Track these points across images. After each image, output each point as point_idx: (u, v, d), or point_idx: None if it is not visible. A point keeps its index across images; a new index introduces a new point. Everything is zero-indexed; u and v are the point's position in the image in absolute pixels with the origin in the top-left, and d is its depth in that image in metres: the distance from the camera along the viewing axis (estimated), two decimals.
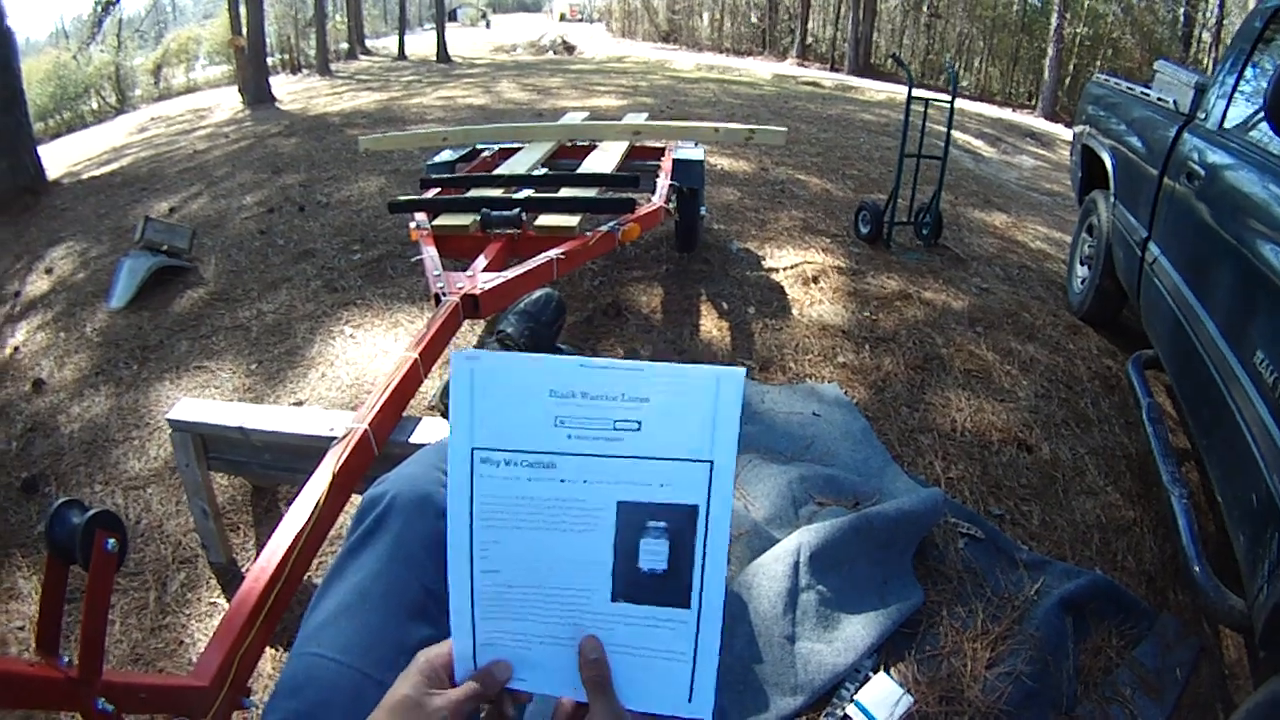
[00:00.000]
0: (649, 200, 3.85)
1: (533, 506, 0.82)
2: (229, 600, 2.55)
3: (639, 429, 0.80)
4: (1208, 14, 24.04)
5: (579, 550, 0.82)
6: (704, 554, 0.82)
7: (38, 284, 5.88)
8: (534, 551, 0.83)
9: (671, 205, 4.23)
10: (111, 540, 1.40)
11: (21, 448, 3.63)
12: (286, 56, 28.37)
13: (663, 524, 0.81)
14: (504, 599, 0.84)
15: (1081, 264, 4.67)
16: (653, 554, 0.82)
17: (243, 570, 2.70)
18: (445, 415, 2.05)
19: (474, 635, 0.84)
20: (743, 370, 0.80)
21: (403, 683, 0.84)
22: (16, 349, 4.77)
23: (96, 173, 10.37)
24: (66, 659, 1.40)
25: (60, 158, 12.65)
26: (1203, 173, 2.90)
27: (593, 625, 0.84)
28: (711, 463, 0.80)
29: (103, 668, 1.42)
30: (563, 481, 0.81)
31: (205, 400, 3.11)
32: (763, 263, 4.96)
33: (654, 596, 0.83)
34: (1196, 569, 2.25)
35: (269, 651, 2.32)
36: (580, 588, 0.83)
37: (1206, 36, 23.76)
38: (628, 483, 0.81)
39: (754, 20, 34.80)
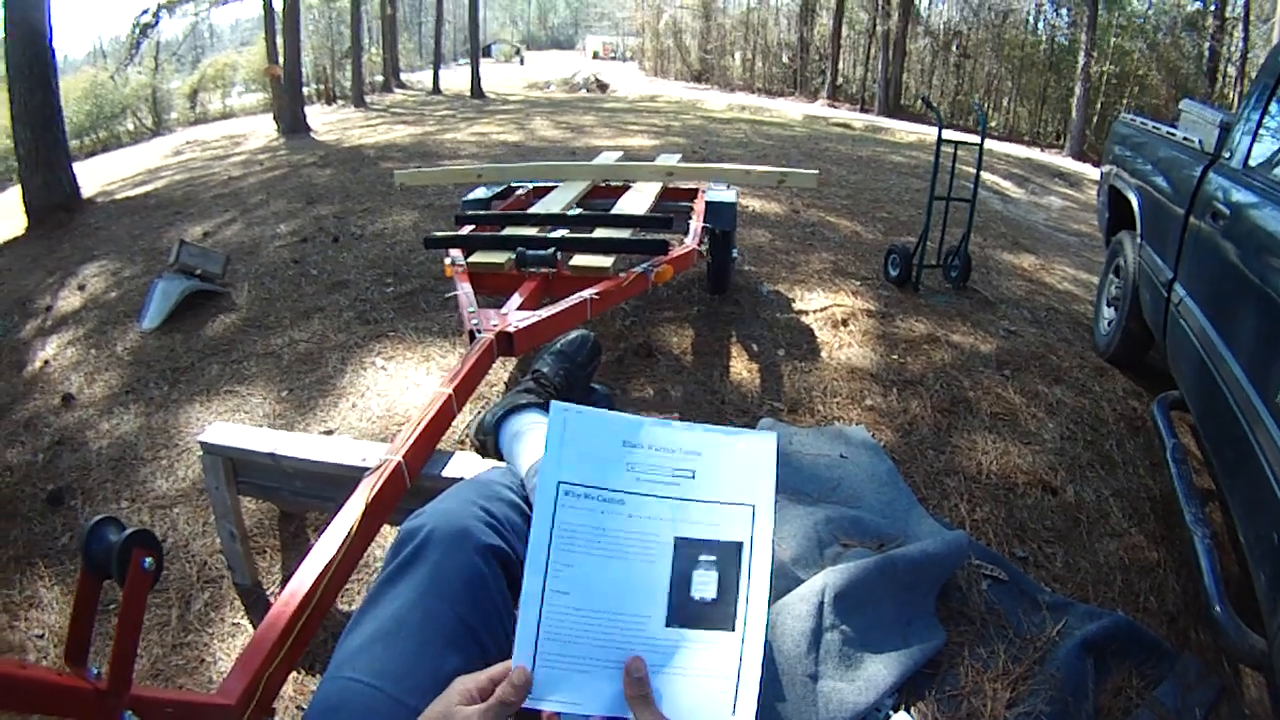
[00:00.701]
0: (682, 242, 3.88)
1: (604, 536, 0.93)
2: (252, 622, 2.58)
3: (693, 477, 0.95)
4: (1232, 49, 24.05)
5: (641, 578, 0.93)
6: (748, 583, 0.94)
7: (70, 300, 5.97)
8: (602, 577, 0.93)
9: (704, 247, 4.25)
10: (149, 559, 1.42)
11: (48, 460, 3.68)
12: (322, 87, 28.76)
13: (713, 557, 0.94)
14: (568, 621, 0.92)
15: (1108, 306, 4.66)
16: (704, 583, 0.94)
17: (268, 593, 2.72)
18: (479, 451, 2.08)
19: (535, 650, 0.91)
20: (775, 434, 0.97)
21: (439, 702, 0.90)
22: (47, 362, 4.84)
23: (131, 193, 10.52)
24: (95, 671, 1.42)
25: (95, 176, 12.86)
26: (1228, 212, 2.89)
27: (648, 648, 0.93)
28: (753, 506, 0.95)
29: (131, 682, 1.44)
30: (630, 516, 0.94)
31: (237, 425, 3.14)
32: (793, 305, 4.97)
33: (704, 622, 0.93)
34: (1218, 609, 2.25)
35: (293, 675, 2.34)
36: (639, 613, 0.93)
37: (1232, 70, 23.76)
38: (684, 521, 0.95)
39: (785, 61, 35.09)
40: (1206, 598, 2.32)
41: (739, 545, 0.94)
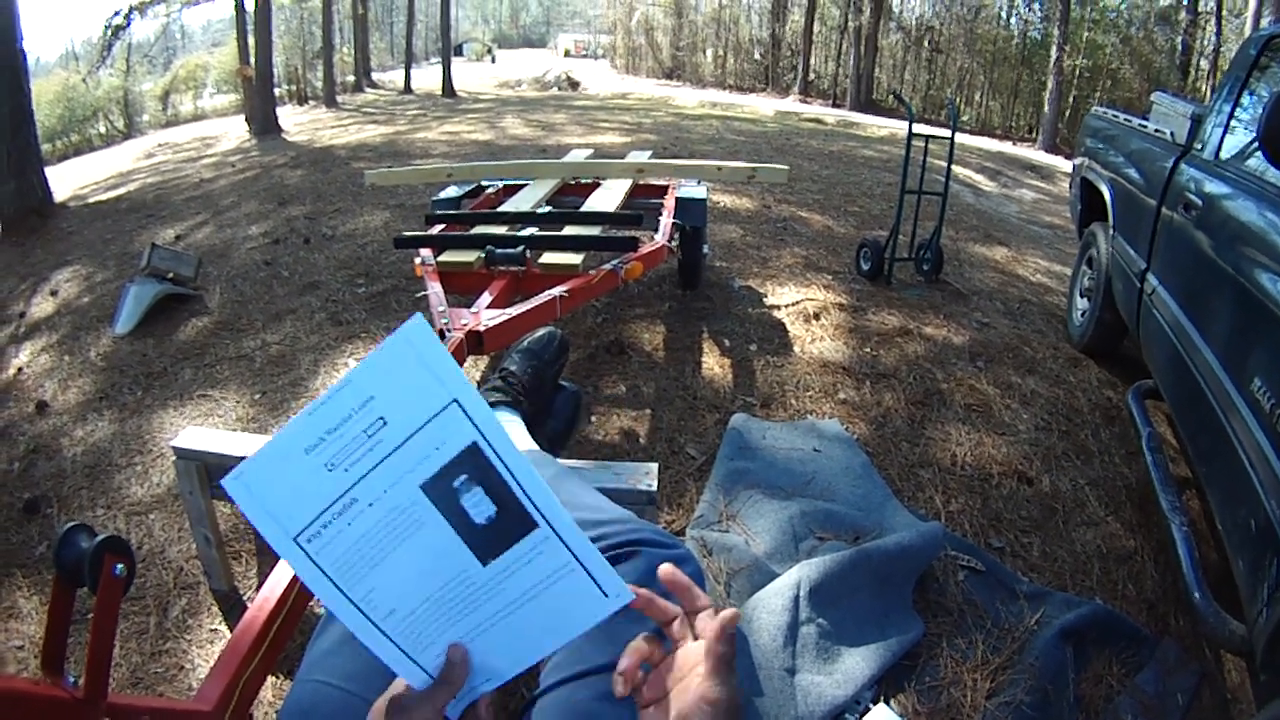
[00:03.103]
0: (652, 239, 3.86)
1: (370, 542, 0.85)
2: (230, 627, 2.56)
3: (386, 423, 0.83)
4: (1205, 42, 24.27)
5: (430, 546, 0.86)
6: (511, 475, 0.85)
7: (43, 306, 5.92)
8: (403, 573, 0.86)
9: (674, 244, 4.24)
10: (120, 565, 1.41)
11: (24, 469, 3.64)
12: (293, 87, 28.60)
13: (464, 475, 0.85)
14: (417, 627, 0.88)
15: (1081, 296, 4.69)
16: (477, 505, 0.86)
17: (244, 598, 2.70)
18: None
19: (425, 671, 0.89)
20: (419, 315, 0.84)
21: (390, 689, 0.91)
22: (20, 370, 4.79)
23: (103, 197, 10.46)
24: (73, 679, 1.41)
25: (67, 180, 12.78)
26: (1200, 203, 2.92)
27: (488, 597, 0.88)
28: (454, 399, 0.83)
29: (108, 689, 1.43)
30: (371, 505, 0.84)
31: (210, 429, 3.12)
32: (764, 300, 4.97)
33: (508, 538, 0.87)
34: (1197, 595, 2.25)
35: (270, 680, 2.32)
36: (457, 573, 0.87)
37: (1204, 64, 23.97)
38: (414, 468, 0.84)
39: (757, 57, 35.16)
40: (1185, 585, 2.33)
41: (473, 445, 0.84)
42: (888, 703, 2.23)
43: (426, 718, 0.87)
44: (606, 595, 0.89)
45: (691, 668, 0.90)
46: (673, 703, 0.89)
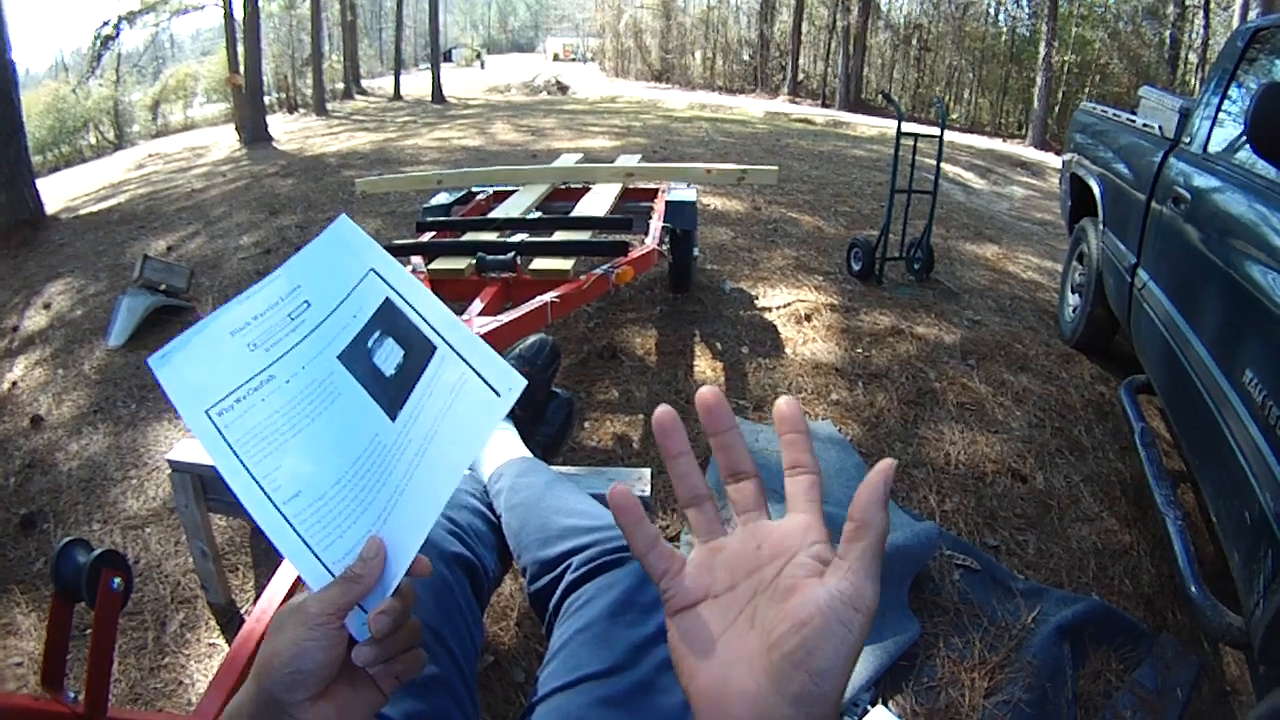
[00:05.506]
0: (642, 242, 3.86)
1: (284, 415, 0.82)
2: (228, 641, 2.55)
3: (310, 305, 0.85)
4: (1193, 35, 24.32)
5: (343, 415, 0.83)
6: (414, 310, 0.85)
7: (36, 319, 5.89)
8: (315, 451, 0.82)
9: (665, 247, 4.24)
10: (117, 579, 1.41)
11: (19, 484, 3.63)
12: (283, 95, 28.58)
13: (377, 332, 0.85)
14: (323, 515, 0.81)
15: (1073, 292, 4.71)
16: (388, 356, 0.85)
17: (242, 611, 2.69)
18: None
19: (325, 567, 0.79)
20: (343, 215, 0.89)
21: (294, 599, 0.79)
22: (14, 384, 4.77)
23: (95, 208, 10.42)
24: (72, 695, 1.41)
25: (59, 192, 12.73)
26: (1189, 197, 2.93)
27: (398, 447, 0.82)
28: (370, 269, 0.86)
29: (108, 704, 1.43)
30: (288, 381, 0.83)
31: None
32: (756, 302, 4.98)
33: (414, 375, 0.85)
34: (1193, 589, 2.26)
35: None
36: (369, 440, 0.83)
37: (1193, 58, 24.02)
38: (333, 339, 0.85)
39: (746, 58, 35.17)
40: (1182, 579, 2.34)
41: (386, 302, 0.85)
42: (885, 704, 2.23)
43: (324, 624, 0.74)
44: (499, 394, 0.81)
45: (787, 555, 0.63)
46: (760, 609, 0.61)
